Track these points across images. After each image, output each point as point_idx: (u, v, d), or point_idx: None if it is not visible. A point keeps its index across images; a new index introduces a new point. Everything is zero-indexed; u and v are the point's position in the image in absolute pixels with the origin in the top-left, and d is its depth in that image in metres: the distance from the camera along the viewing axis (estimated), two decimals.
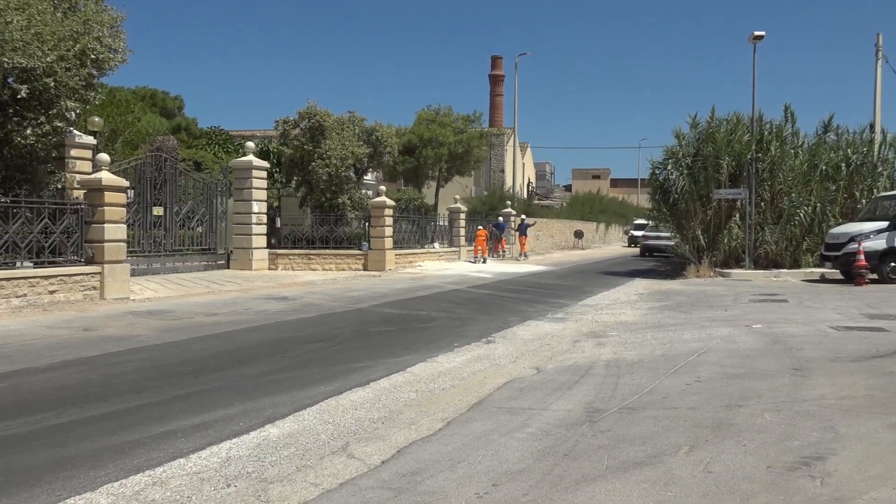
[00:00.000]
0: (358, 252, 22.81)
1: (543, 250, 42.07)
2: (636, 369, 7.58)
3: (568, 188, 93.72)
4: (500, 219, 34.01)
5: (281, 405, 6.16)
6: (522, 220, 33.72)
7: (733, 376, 7.10)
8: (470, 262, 28.97)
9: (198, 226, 20.61)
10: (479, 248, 29.49)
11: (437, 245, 28.50)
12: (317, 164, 22.27)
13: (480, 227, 30.77)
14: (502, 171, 52.31)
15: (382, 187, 24.73)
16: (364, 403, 6.28)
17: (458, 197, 32.16)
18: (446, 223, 30.24)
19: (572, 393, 6.57)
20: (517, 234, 33.72)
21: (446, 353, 8.68)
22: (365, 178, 26.78)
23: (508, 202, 37.39)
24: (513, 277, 21.69)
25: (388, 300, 14.64)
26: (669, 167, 22.36)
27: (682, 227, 22.77)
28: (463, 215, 30.67)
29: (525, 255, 32.32)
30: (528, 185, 61.86)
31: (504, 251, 32.41)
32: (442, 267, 25.20)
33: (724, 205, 21.64)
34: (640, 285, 19.08)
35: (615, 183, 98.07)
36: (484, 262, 29.10)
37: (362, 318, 12.09)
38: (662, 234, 31.55)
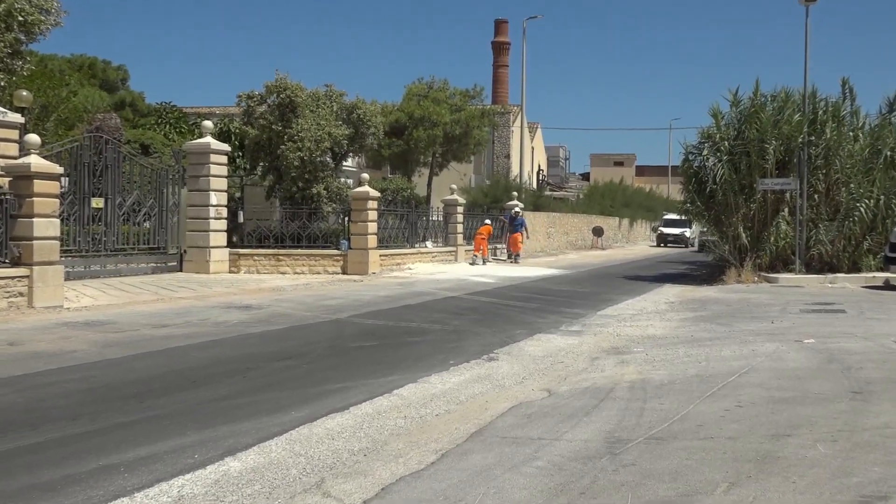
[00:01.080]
0: (335, 252, 22.81)
1: (556, 250, 42.13)
2: (666, 392, 7.59)
3: (585, 177, 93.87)
4: (516, 210, 33.57)
5: (243, 434, 6.15)
6: (517, 213, 33.26)
7: (781, 401, 7.11)
8: (469, 263, 29.03)
9: (145, 220, 20.58)
10: (481, 247, 29.50)
11: (429, 244, 28.52)
12: (287, 148, 22.26)
13: (488, 222, 30.76)
14: (507, 156, 52.37)
15: (365, 175, 24.74)
16: (342, 432, 6.27)
17: (454, 187, 32.13)
18: (441, 218, 30.26)
19: (590, 420, 6.58)
20: (510, 230, 33.10)
21: (440, 373, 8.69)
22: (344, 164, 26.76)
23: (515, 193, 37.41)
24: (520, 283, 21.70)
25: (372, 309, 14.63)
26: (705, 152, 22.38)
27: (720, 222, 22.81)
28: (461, 209, 30.68)
29: (518, 256, 31.97)
30: (538, 174, 61.96)
31: (515, 253, 32.14)
32: (435, 270, 25.21)
33: (770, 197, 21.68)
34: (671, 292, 19.11)
35: (641, 171, 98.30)
36: (483, 263, 29.15)
37: (340, 330, 12.07)
38: None
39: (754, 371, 8.54)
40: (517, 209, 33.42)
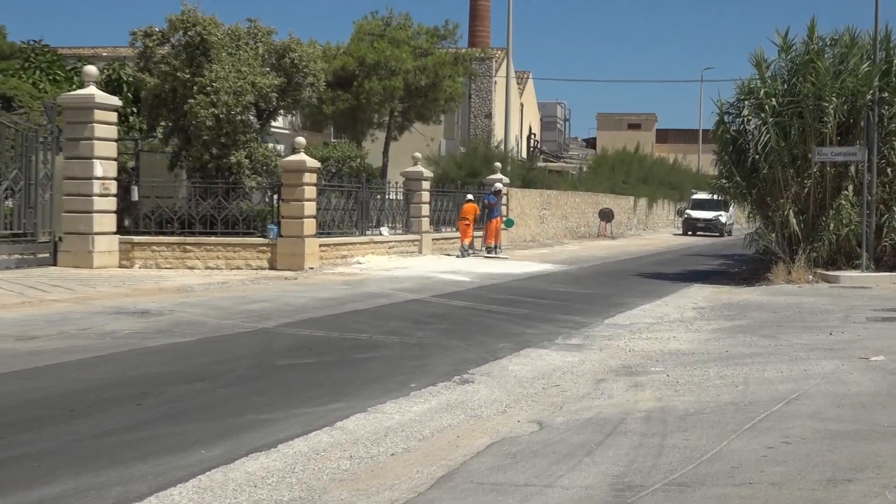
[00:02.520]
0: (261, 241, 22.69)
1: (551, 239, 42.25)
2: (692, 424, 7.65)
3: (591, 143, 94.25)
4: (497, 187, 33.37)
5: (137, 480, 6.11)
6: (497, 190, 32.96)
7: (840, 435, 7.19)
8: (457, 256, 29.34)
9: (6, 197, 20.34)
10: (465, 233, 29.69)
11: (385, 230, 28.46)
12: (197, 102, 22.09)
13: (470, 198, 30.85)
14: (489, 115, 52.39)
15: (301, 139, 24.61)
16: (268, 477, 6.26)
17: (419, 156, 32.05)
18: (401, 196, 30.21)
19: (593, 460, 6.61)
20: (486, 214, 32.80)
21: (398, 400, 8.69)
22: (273, 124, 26.59)
23: (498, 164, 37.42)
24: (503, 281, 21.75)
25: (309, 316, 14.60)
26: (745, 112, 22.50)
27: (764, 205, 22.93)
28: (427, 184, 30.64)
29: (498, 248, 31.86)
30: (528, 139, 62.05)
31: (496, 244, 32.03)
32: (394, 265, 25.17)
33: (829, 171, 21.84)
34: (701, 294, 19.24)
35: (663, 136, 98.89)
36: (470, 254, 29.43)
37: (267, 343, 12.03)
38: None
39: (806, 397, 8.62)
40: (498, 185, 33.09)
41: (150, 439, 7.17)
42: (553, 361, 10.99)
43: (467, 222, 30.02)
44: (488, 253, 31.36)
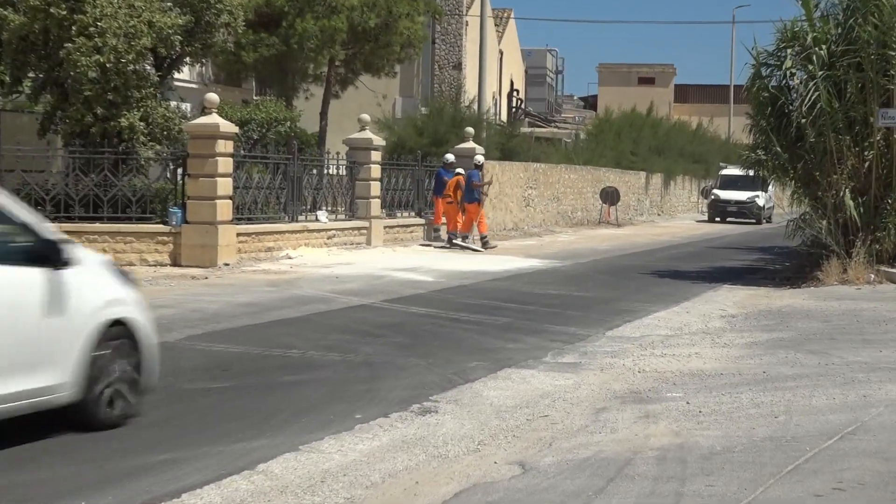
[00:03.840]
0: (161, 228, 22.56)
1: (539, 227, 42.22)
2: (719, 466, 7.68)
3: (590, 103, 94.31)
4: (479, 159, 33.24)
5: None
6: (478, 165, 32.86)
7: None
8: (443, 244, 29.95)
9: None
10: (453, 218, 30.19)
11: (323, 215, 28.35)
12: (77, 47, 21.94)
13: (460, 171, 30.98)
14: (458, 66, 52.28)
15: (213, 96, 24.46)
16: None
17: (367, 118, 31.91)
18: (344, 171, 30.09)
19: None
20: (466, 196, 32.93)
21: (338, 435, 8.69)
22: (177, 76, 26.43)
23: (470, 130, 37.34)
24: (476, 282, 21.78)
25: (224, 326, 14.58)
26: (789, 64, 22.54)
27: (813, 183, 22.99)
28: (377, 155, 30.51)
29: (469, 239, 31.91)
30: (510, 96, 62.03)
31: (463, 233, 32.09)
32: (334, 260, 25.10)
33: None
34: (732, 299, 19.29)
35: (684, 94, 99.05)
36: (451, 244, 29.97)
37: (169, 361, 11.95)
38: None
39: (865, 431, 8.68)
40: (479, 157, 32.86)
41: (14, 487, 7.11)
42: (540, 385, 11.00)
43: (450, 200, 30.10)
44: (462, 242, 31.39)
